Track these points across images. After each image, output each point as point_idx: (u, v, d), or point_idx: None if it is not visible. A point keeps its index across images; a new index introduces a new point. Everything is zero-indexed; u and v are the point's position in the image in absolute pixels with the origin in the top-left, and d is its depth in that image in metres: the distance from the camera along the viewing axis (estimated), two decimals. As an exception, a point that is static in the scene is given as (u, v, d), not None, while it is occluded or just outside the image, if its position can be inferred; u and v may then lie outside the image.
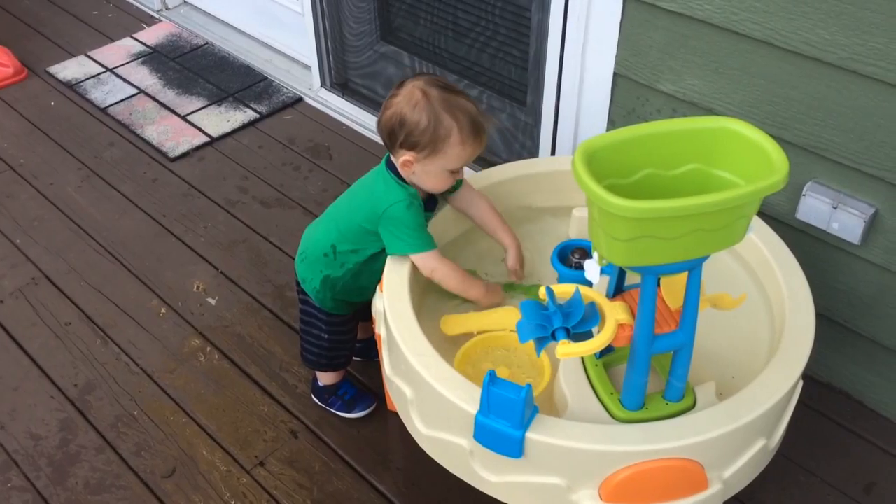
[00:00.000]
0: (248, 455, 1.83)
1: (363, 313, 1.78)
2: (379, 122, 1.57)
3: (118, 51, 3.23)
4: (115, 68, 3.13)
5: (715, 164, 1.24)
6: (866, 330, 1.80)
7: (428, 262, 1.59)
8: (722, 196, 1.12)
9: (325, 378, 1.89)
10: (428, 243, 1.58)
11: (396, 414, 1.65)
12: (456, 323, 1.66)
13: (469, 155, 1.55)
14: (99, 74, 3.09)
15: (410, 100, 1.51)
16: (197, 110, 2.90)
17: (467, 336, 1.65)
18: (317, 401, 1.93)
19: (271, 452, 1.84)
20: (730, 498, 1.47)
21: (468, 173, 1.78)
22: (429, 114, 1.50)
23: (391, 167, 1.61)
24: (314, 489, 1.77)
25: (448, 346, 1.61)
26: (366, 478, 1.79)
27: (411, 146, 1.53)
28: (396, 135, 1.53)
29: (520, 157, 2.36)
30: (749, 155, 1.20)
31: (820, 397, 1.91)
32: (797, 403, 1.52)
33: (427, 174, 1.57)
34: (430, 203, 1.68)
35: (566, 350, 1.26)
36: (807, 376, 1.85)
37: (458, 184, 1.71)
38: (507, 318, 1.62)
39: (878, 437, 1.84)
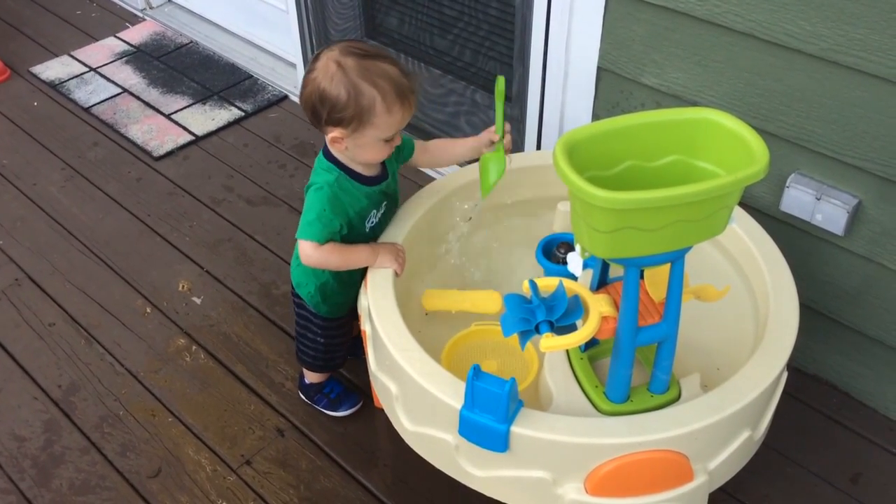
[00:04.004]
0: (234, 454, 1.82)
1: (356, 310, 1.76)
2: (301, 101, 1.50)
3: (102, 50, 3.21)
4: (98, 68, 3.11)
5: (696, 155, 1.24)
6: (851, 321, 1.81)
7: (305, 249, 1.53)
8: (702, 186, 1.12)
9: (311, 376, 1.88)
10: (314, 234, 1.51)
11: (383, 411, 1.64)
12: (437, 298, 1.66)
13: (399, 121, 1.49)
14: (82, 74, 3.07)
15: (326, 73, 1.43)
16: (181, 109, 2.88)
17: (452, 319, 1.65)
18: (303, 398, 1.92)
19: (258, 451, 1.83)
20: (716, 489, 1.47)
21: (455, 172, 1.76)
22: (347, 86, 1.42)
23: (325, 151, 1.57)
24: (301, 487, 1.76)
25: (436, 341, 1.61)
26: (353, 475, 1.78)
27: (336, 122, 1.46)
28: (319, 112, 1.46)
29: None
30: (730, 145, 1.20)
31: (806, 388, 1.91)
32: (784, 395, 1.53)
33: (361, 147, 1.50)
34: (382, 175, 1.61)
35: (550, 343, 1.26)
36: (793, 368, 1.86)
37: (410, 149, 1.67)
38: (487, 300, 1.62)
39: (865, 427, 1.85)
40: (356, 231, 1.60)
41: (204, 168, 2.64)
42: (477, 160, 1.69)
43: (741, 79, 1.69)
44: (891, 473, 1.76)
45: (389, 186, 1.64)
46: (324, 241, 1.53)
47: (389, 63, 1.47)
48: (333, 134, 1.48)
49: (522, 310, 1.29)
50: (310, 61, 1.49)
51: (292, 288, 1.75)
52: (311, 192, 1.54)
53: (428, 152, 1.72)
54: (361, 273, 1.63)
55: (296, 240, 1.57)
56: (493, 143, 1.63)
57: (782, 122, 1.67)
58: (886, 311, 1.74)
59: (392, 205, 1.69)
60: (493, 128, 1.63)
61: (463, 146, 1.70)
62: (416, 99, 1.50)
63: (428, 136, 2.61)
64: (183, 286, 2.23)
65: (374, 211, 1.62)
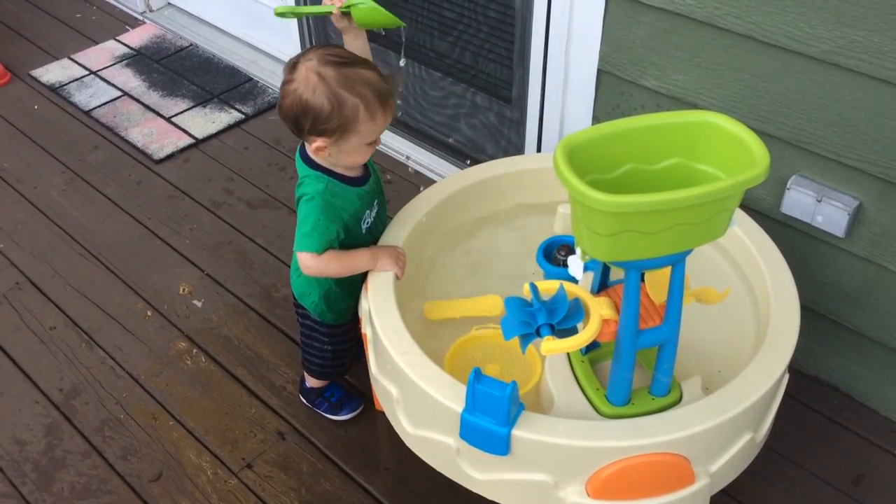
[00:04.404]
0: (235, 457, 1.82)
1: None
2: (280, 111, 1.49)
3: (102, 53, 3.22)
4: (98, 71, 3.11)
5: (697, 158, 1.24)
6: (852, 322, 1.80)
7: (304, 260, 1.54)
8: (702, 190, 1.12)
9: (313, 380, 1.88)
10: (311, 245, 1.52)
11: (384, 414, 1.64)
12: (440, 308, 1.66)
13: (381, 126, 1.49)
14: (83, 77, 3.07)
15: (308, 85, 1.43)
16: (182, 112, 2.88)
17: (454, 324, 1.65)
18: (304, 401, 1.92)
19: (259, 454, 1.83)
20: (718, 492, 1.47)
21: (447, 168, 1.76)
22: (329, 97, 1.42)
23: (305, 157, 1.56)
24: (302, 490, 1.76)
25: (437, 343, 1.61)
26: (354, 478, 1.78)
27: (320, 133, 1.46)
28: (302, 123, 1.46)
29: (506, 154, 2.36)
30: (730, 148, 1.20)
31: (807, 390, 1.91)
32: (785, 397, 1.53)
33: (344, 153, 1.51)
34: (366, 174, 1.61)
35: (551, 346, 1.26)
36: (794, 369, 1.86)
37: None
38: (490, 303, 1.62)
39: (866, 429, 1.85)
40: (353, 235, 1.60)
41: (204, 171, 2.64)
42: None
43: (741, 81, 1.69)
44: (892, 475, 1.76)
45: (376, 183, 1.65)
46: (322, 250, 1.53)
47: (367, 68, 1.48)
48: (317, 144, 1.48)
49: (523, 313, 1.29)
50: (285, 70, 1.48)
51: (294, 299, 1.74)
52: (303, 203, 1.53)
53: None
54: (364, 277, 1.63)
55: (293, 252, 1.57)
56: (341, 10, 1.55)
57: (782, 125, 1.67)
58: (887, 312, 1.74)
59: (382, 201, 1.69)
60: (336, 16, 1.56)
61: (347, 46, 1.62)
62: (395, 99, 1.51)
63: (429, 137, 2.62)
64: (183, 289, 2.23)
65: (368, 211, 1.62)
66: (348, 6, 1.55)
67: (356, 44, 1.63)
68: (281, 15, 1.57)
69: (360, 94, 1.44)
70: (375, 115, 1.46)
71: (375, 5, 1.54)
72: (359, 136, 1.48)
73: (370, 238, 1.66)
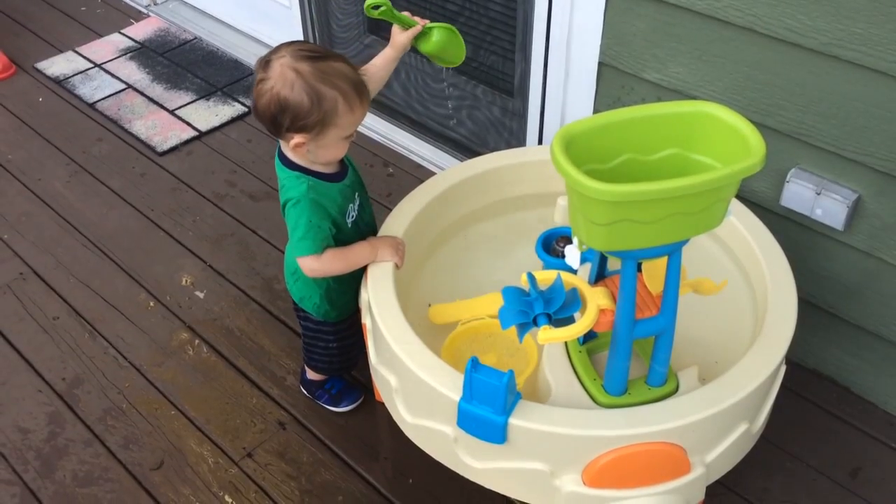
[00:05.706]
0: (236, 447, 1.84)
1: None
2: (256, 111, 1.48)
3: (106, 46, 3.23)
4: (103, 64, 3.12)
5: (693, 148, 1.24)
6: (851, 316, 1.81)
7: (306, 264, 1.55)
8: (698, 179, 1.12)
9: (313, 372, 1.89)
10: (309, 247, 1.53)
11: (384, 405, 1.65)
12: (444, 312, 1.66)
13: (359, 117, 1.49)
14: (87, 70, 3.09)
15: (285, 82, 1.41)
16: (185, 105, 2.89)
17: (456, 324, 1.66)
18: (305, 392, 1.93)
19: (259, 444, 1.84)
20: (716, 483, 1.48)
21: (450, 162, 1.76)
22: (308, 92, 1.41)
23: (284, 159, 1.56)
24: (302, 480, 1.77)
25: (436, 334, 1.62)
26: (354, 468, 1.79)
27: (299, 129, 1.45)
28: (280, 121, 1.45)
29: (507, 147, 2.36)
30: (726, 138, 1.20)
31: (806, 383, 1.91)
32: (783, 389, 1.53)
33: (323, 148, 1.50)
34: (343, 170, 1.61)
35: (548, 335, 1.27)
36: (792, 362, 1.86)
37: None
38: (493, 304, 1.63)
39: (864, 422, 1.85)
40: (341, 231, 1.60)
41: (207, 163, 2.65)
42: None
43: (741, 73, 1.69)
44: (890, 468, 1.76)
45: (355, 176, 1.64)
46: (321, 250, 1.53)
47: (341, 61, 1.47)
48: (296, 140, 1.47)
49: (520, 302, 1.30)
50: (257, 69, 1.47)
51: (294, 303, 1.74)
52: (290, 207, 1.53)
53: (371, 83, 1.65)
54: (363, 268, 1.63)
55: (288, 255, 1.55)
56: (414, 34, 1.66)
57: (782, 117, 1.67)
58: (886, 305, 1.74)
59: (363, 194, 1.68)
60: (410, 31, 1.66)
61: (387, 57, 1.69)
62: (370, 92, 1.52)
63: (430, 130, 2.62)
64: (186, 280, 2.25)
65: (351, 205, 1.61)
66: (429, 28, 1.66)
67: (391, 58, 1.69)
68: (372, 7, 1.59)
69: (338, 87, 1.43)
70: (354, 107, 1.46)
71: (455, 35, 1.67)
72: (338, 130, 1.47)
73: (356, 232, 1.65)
